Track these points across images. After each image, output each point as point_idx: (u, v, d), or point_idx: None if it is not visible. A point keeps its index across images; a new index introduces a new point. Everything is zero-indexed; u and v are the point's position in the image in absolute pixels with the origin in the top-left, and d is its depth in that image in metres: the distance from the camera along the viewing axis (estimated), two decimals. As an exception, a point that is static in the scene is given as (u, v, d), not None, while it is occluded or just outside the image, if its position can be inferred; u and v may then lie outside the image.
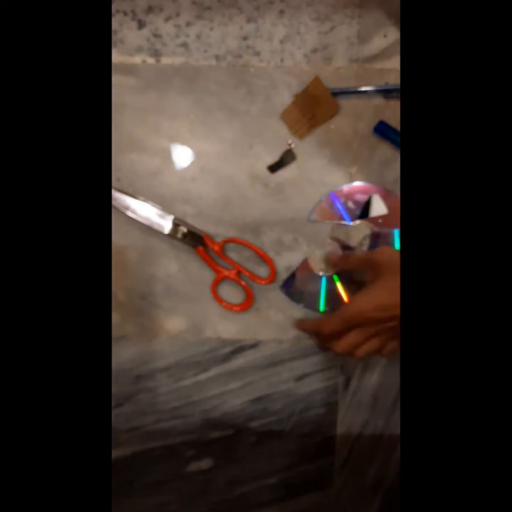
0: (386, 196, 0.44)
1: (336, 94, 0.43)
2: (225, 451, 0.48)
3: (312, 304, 0.46)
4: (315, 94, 0.42)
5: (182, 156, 0.44)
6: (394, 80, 0.43)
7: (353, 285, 0.45)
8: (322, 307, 0.45)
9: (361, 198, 0.44)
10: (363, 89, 0.43)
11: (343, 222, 0.44)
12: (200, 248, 0.44)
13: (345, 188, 0.44)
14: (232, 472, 0.49)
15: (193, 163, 0.44)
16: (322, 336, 0.38)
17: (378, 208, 0.44)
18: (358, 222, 0.44)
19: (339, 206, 0.44)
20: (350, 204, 0.44)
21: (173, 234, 0.44)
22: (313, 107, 0.43)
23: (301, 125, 0.43)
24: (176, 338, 0.46)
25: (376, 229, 0.44)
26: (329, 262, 0.45)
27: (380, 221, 0.44)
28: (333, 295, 0.46)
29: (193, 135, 0.44)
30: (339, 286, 0.45)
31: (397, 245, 0.44)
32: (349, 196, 0.44)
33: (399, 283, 0.26)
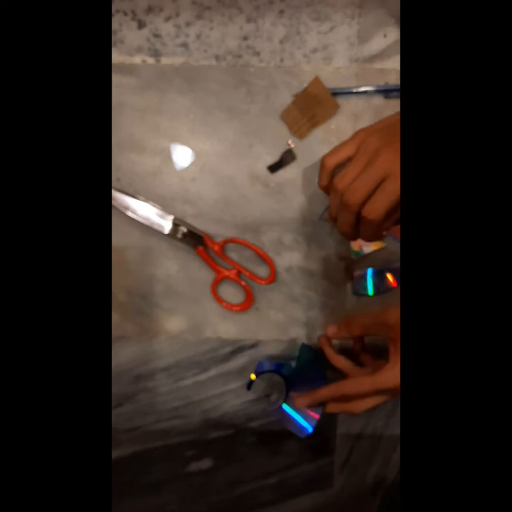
0: None
1: (336, 94, 0.43)
2: (225, 451, 0.48)
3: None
4: (315, 94, 0.42)
5: (182, 156, 0.44)
6: (394, 80, 0.43)
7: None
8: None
9: None
10: (363, 89, 0.43)
11: None
12: (200, 248, 0.44)
13: None
14: (232, 472, 0.49)
15: (193, 163, 0.44)
16: (343, 396, 0.36)
17: None
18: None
19: None
20: None
21: (173, 234, 0.44)
22: (313, 107, 0.43)
23: (301, 125, 0.43)
24: (175, 338, 0.46)
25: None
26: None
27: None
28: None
29: (193, 135, 0.44)
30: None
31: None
32: None
33: None
